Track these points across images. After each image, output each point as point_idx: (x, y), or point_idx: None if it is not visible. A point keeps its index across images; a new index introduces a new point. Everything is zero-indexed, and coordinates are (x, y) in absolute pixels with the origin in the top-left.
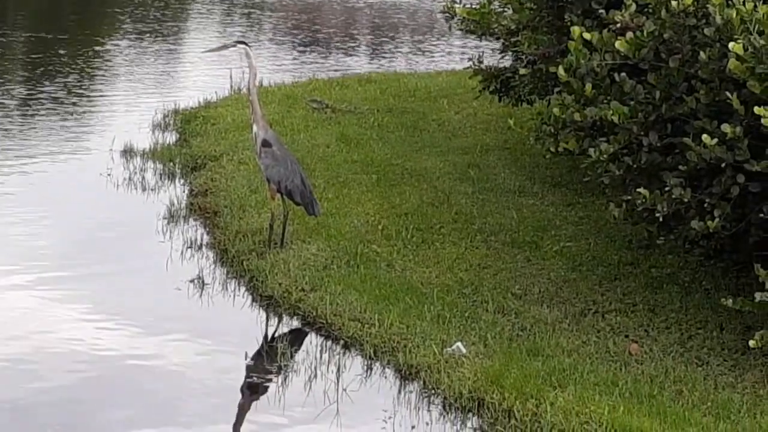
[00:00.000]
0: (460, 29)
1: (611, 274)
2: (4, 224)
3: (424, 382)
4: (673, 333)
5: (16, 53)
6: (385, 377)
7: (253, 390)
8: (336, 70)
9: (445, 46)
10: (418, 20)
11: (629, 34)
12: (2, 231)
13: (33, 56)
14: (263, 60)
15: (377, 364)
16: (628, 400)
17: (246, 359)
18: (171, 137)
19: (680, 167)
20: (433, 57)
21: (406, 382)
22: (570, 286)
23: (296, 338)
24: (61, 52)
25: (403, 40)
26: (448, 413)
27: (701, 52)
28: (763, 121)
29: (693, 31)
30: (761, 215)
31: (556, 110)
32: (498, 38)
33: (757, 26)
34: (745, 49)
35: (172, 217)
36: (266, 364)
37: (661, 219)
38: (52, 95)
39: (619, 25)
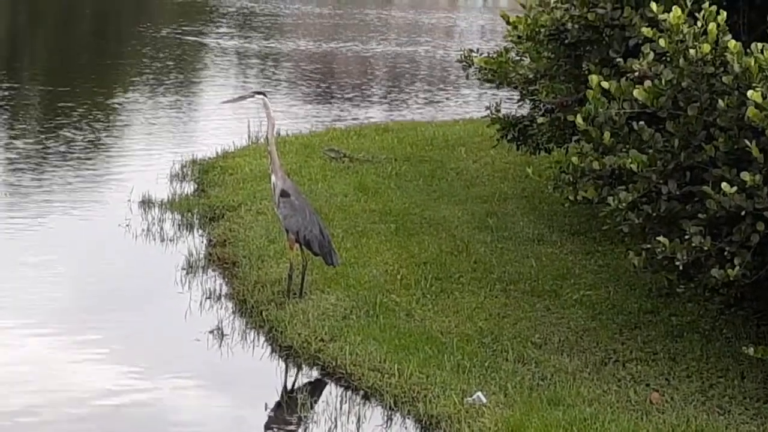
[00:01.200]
0: (478, 78)
1: (631, 323)
2: (22, 276)
3: None
4: (694, 382)
5: (32, 107)
6: (406, 428)
7: None
8: (353, 120)
9: (461, 95)
10: (433, 70)
11: (647, 83)
12: (21, 283)
13: (50, 109)
14: (280, 110)
15: (397, 414)
16: None
17: (266, 410)
18: (189, 188)
19: (700, 215)
20: (449, 106)
21: None
22: (590, 335)
23: (316, 388)
24: (78, 104)
25: (420, 89)
26: None
27: (720, 100)
28: None
29: (711, 80)
30: None
31: (574, 159)
32: (515, 87)
33: None
34: (764, 97)
35: (190, 267)
36: (286, 415)
37: (681, 267)
38: (70, 147)
39: (637, 73)
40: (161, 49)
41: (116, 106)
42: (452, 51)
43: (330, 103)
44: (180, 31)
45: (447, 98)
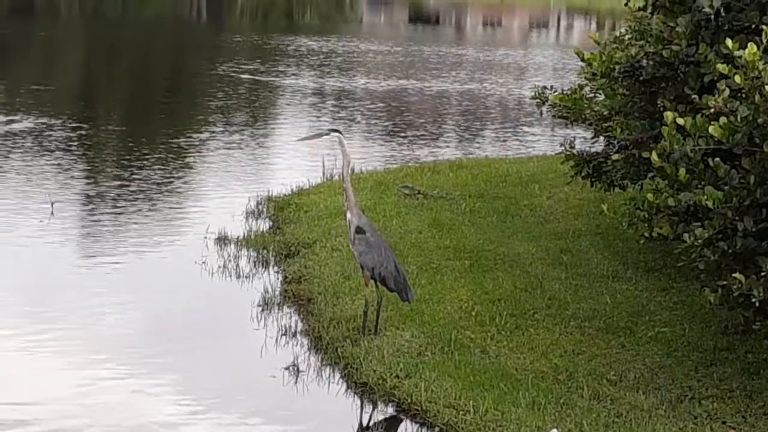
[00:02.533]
0: (552, 115)
1: (707, 360)
2: (99, 312)
3: None
4: None
5: (106, 146)
6: None
7: None
8: (427, 157)
9: (534, 133)
10: (506, 107)
11: (723, 119)
12: (99, 317)
13: (124, 148)
14: (355, 147)
15: None
16: None
17: None
18: (264, 224)
19: None
20: (522, 143)
21: None
22: (665, 372)
23: (391, 425)
24: (153, 143)
25: (493, 127)
26: None
27: None
28: None
29: None
30: None
31: (649, 195)
32: (590, 124)
33: None
34: None
35: (266, 304)
36: None
37: (757, 304)
38: (146, 186)
39: (712, 110)
40: (233, 88)
41: (191, 144)
42: (524, 88)
43: (404, 140)
44: (251, 71)
45: (521, 135)
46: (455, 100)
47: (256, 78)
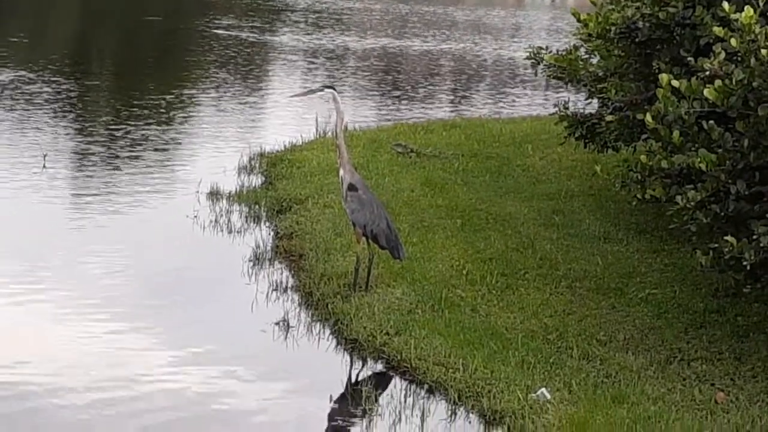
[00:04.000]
0: (547, 75)
1: (697, 322)
2: (91, 266)
3: (509, 428)
4: (760, 382)
5: (101, 99)
6: (470, 422)
7: None
8: (420, 116)
9: (528, 93)
10: (501, 67)
11: (718, 82)
12: (90, 271)
13: (118, 104)
14: (348, 105)
15: (461, 409)
16: None
17: (330, 402)
18: (257, 180)
19: None
20: (516, 103)
21: (491, 427)
22: (655, 334)
23: (381, 382)
24: (146, 100)
25: (487, 87)
26: None
27: None
28: None
29: None
30: None
31: (643, 157)
32: (584, 85)
33: None
34: None
35: (257, 259)
36: (351, 408)
37: (748, 267)
38: (138, 141)
39: (707, 72)
40: (226, 45)
41: (183, 100)
42: (519, 49)
43: (397, 98)
44: (243, 28)
45: (514, 96)
46: (449, 60)
47: (249, 35)
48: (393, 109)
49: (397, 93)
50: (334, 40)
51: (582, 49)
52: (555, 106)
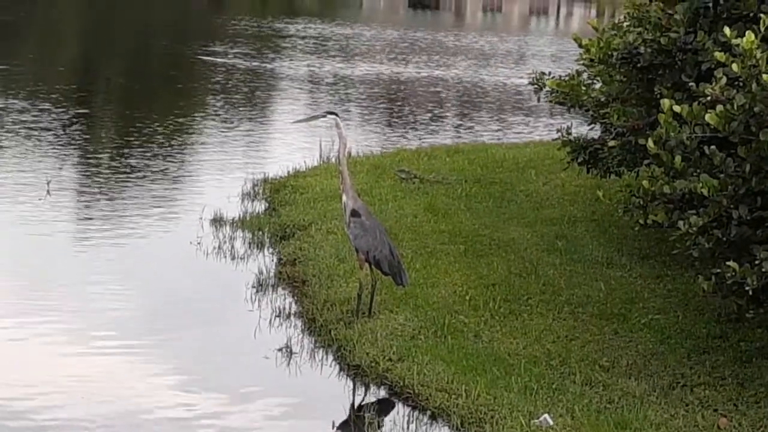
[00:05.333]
0: (549, 101)
1: (700, 348)
2: (94, 291)
3: None
4: (763, 407)
5: (104, 127)
6: None
7: None
8: (424, 141)
9: (532, 119)
10: (505, 93)
11: (719, 107)
12: (94, 298)
13: (122, 129)
14: (352, 130)
15: None
16: None
17: (334, 429)
18: (260, 206)
19: None
20: (520, 129)
21: None
22: (658, 359)
23: (383, 408)
24: (151, 126)
25: (491, 112)
26: None
27: None
28: None
29: None
30: None
31: (645, 182)
32: (587, 110)
33: None
34: None
35: (260, 285)
36: None
37: (750, 292)
38: (143, 167)
39: (709, 98)
40: (231, 72)
41: (188, 126)
42: (523, 75)
43: (401, 125)
44: (249, 54)
45: (518, 121)
46: (453, 86)
47: (255, 62)
48: (396, 135)
49: (401, 119)
50: (337, 67)
51: (585, 75)
52: (558, 131)
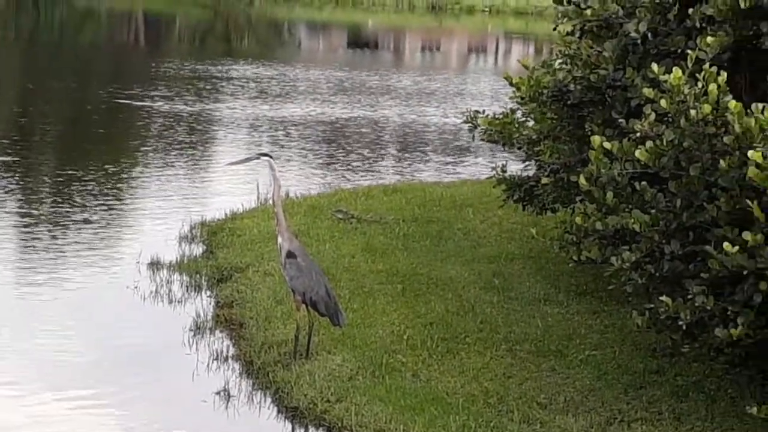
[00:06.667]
0: (482, 139)
1: (637, 383)
2: (31, 336)
3: None
4: None
5: (40, 171)
6: None
7: None
8: (361, 182)
9: (470, 158)
10: (443, 133)
11: (649, 143)
12: (29, 343)
13: (58, 174)
14: (291, 172)
15: None
16: None
17: None
18: (198, 249)
19: (702, 275)
20: (459, 168)
21: None
22: (596, 395)
23: None
24: (86, 170)
25: (429, 152)
26: None
27: (721, 161)
28: None
29: (712, 140)
30: None
31: (578, 219)
32: (519, 148)
33: None
34: (765, 157)
35: (198, 328)
36: None
37: (684, 327)
38: (79, 210)
39: (639, 134)
40: (168, 116)
41: (124, 171)
42: (460, 114)
43: (338, 165)
44: (186, 98)
45: (455, 160)
46: (392, 127)
47: (193, 105)
48: (334, 175)
49: (338, 159)
50: (275, 108)
51: (519, 113)
52: (493, 169)
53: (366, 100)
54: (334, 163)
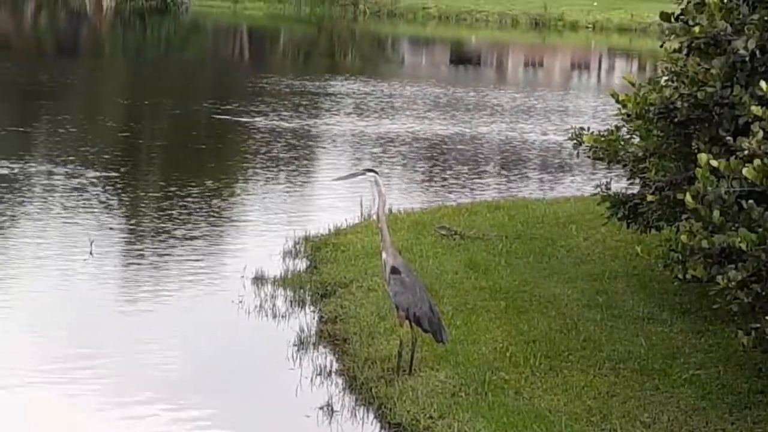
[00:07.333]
0: (587, 156)
1: (741, 403)
2: (138, 353)
3: None
4: None
5: (146, 186)
6: None
7: None
8: (464, 198)
9: (574, 174)
10: (546, 149)
11: (757, 161)
12: (136, 359)
13: (163, 189)
14: (393, 188)
15: None
16: None
17: None
18: (301, 264)
19: None
20: (561, 184)
21: None
22: (700, 415)
23: None
24: (192, 184)
25: (532, 168)
26: None
27: None
28: None
29: None
30: None
31: (684, 237)
32: (625, 165)
33: None
34: None
35: (302, 343)
36: None
37: None
38: (184, 225)
39: (746, 152)
40: (272, 130)
41: (229, 186)
42: (563, 131)
43: (442, 181)
44: (291, 112)
45: (559, 177)
46: (494, 143)
47: (296, 121)
48: (437, 191)
49: (441, 176)
50: (379, 124)
51: (624, 130)
52: (597, 186)
53: (469, 116)
54: (433, 179)
